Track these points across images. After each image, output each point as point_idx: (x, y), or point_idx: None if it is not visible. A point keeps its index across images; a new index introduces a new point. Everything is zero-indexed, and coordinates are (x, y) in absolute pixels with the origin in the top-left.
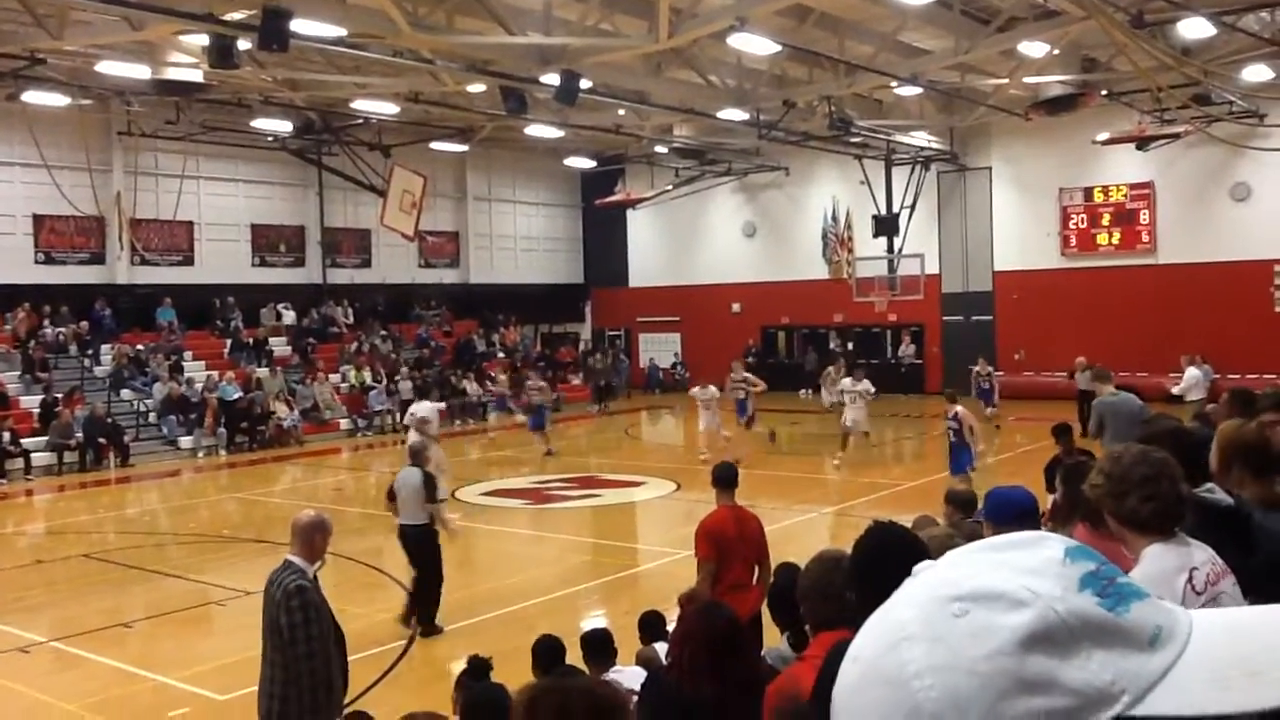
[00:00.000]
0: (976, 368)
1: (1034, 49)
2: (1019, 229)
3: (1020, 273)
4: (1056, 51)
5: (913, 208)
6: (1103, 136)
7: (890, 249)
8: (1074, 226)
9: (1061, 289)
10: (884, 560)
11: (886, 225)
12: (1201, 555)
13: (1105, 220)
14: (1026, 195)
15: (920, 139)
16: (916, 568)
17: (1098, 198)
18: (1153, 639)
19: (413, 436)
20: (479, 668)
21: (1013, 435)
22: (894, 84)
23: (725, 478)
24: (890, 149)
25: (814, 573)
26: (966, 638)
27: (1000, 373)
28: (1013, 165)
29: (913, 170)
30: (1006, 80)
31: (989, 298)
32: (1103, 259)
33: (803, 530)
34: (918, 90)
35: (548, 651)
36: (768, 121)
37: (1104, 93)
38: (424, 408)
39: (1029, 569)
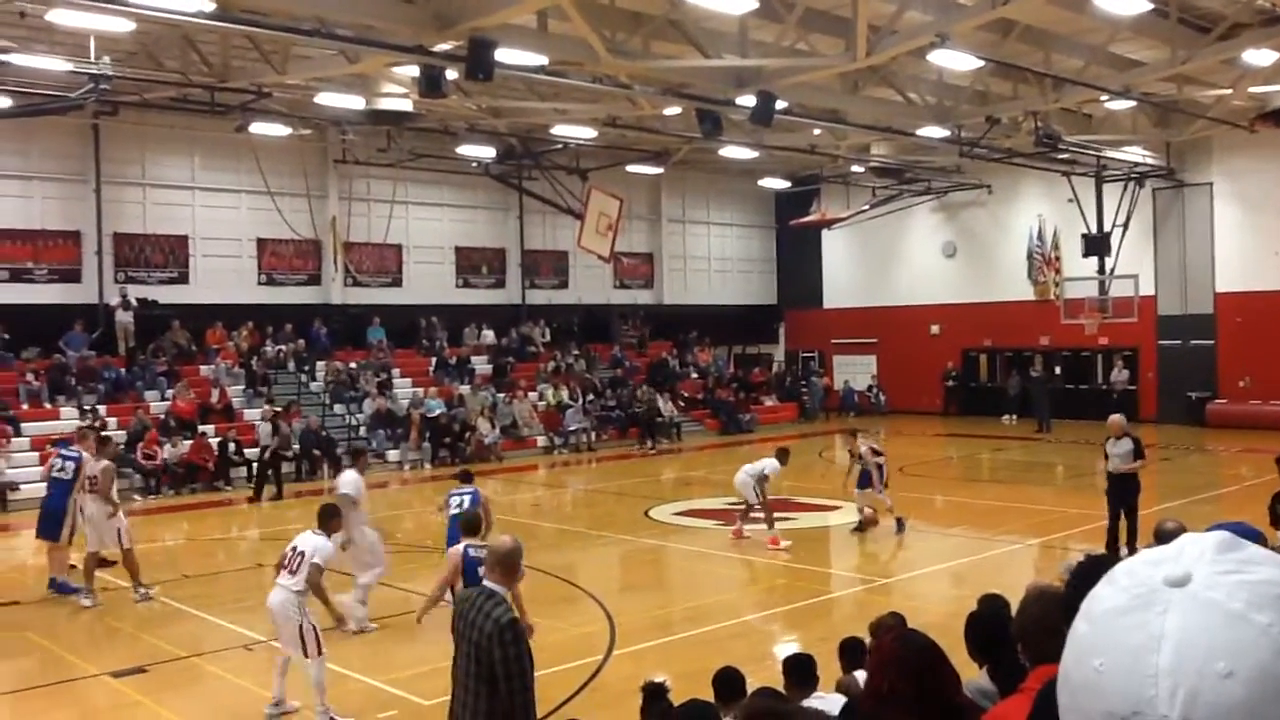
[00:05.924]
0: (854, 443)
1: (1260, 57)
2: (1243, 248)
3: (1245, 294)
4: None
5: (1125, 226)
6: None
7: (1101, 269)
8: None
9: None
10: None
11: (1097, 245)
12: None
13: None
14: (1252, 212)
15: (1134, 154)
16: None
17: None
18: None
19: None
20: (654, 693)
21: (1237, 467)
22: (1104, 98)
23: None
24: (1101, 165)
25: (1036, 610)
26: None
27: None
28: (1236, 181)
29: (1125, 187)
30: (1229, 91)
31: (1210, 321)
32: None
33: (1007, 561)
34: (1130, 104)
35: (727, 683)
36: (969, 139)
37: None
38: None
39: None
